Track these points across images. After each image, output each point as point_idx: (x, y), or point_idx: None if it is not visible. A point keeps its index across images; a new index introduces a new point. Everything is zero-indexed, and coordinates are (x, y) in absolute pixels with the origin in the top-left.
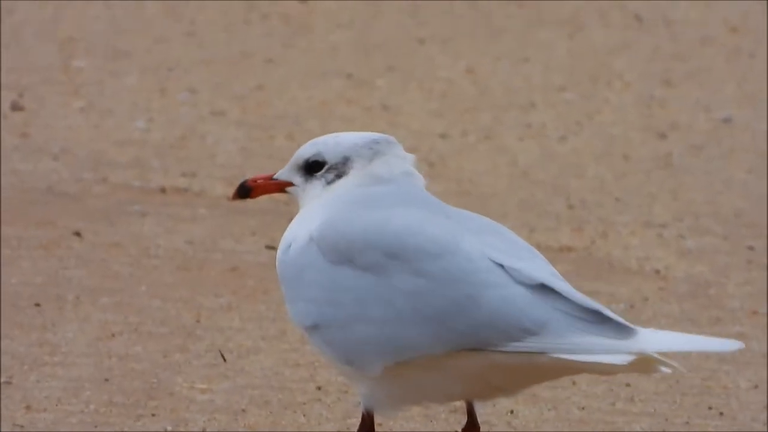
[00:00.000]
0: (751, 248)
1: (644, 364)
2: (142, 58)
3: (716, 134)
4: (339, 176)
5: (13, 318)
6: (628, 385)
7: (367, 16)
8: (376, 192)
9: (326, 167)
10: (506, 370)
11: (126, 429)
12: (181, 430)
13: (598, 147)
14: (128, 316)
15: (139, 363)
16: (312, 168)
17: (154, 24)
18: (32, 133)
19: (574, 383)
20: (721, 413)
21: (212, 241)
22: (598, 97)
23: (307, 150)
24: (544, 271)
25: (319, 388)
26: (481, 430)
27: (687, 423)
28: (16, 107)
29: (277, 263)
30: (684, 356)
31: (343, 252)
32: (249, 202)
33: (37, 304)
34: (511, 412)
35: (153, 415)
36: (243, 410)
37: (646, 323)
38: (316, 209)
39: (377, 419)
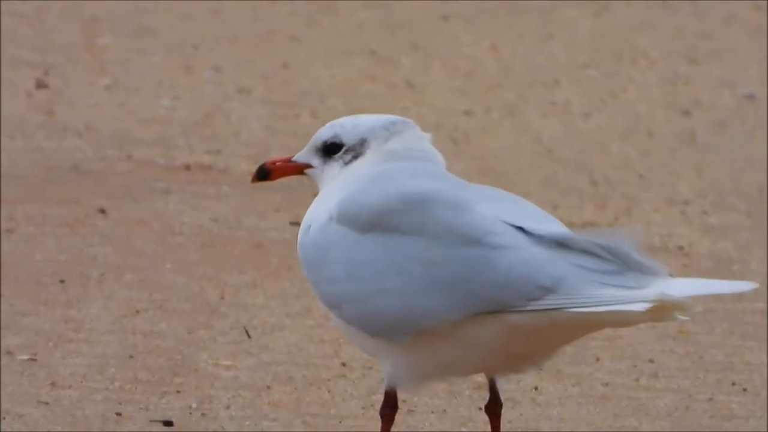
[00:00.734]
0: None
1: (662, 311)
2: (167, 35)
3: (740, 111)
4: (356, 157)
5: (38, 295)
6: (651, 361)
7: None
8: (394, 167)
9: (344, 149)
10: (526, 333)
11: (151, 406)
12: (206, 406)
13: (622, 124)
14: (153, 293)
15: (163, 340)
16: (330, 150)
17: (179, 1)
18: (57, 111)
19: (597, 359)
20: (745, 389)
21: (236, 218)
22: (622, 75)
23: (325, 132)
24: (560, 230)
25: (343, 365)
26: (503, 406)
27: (710, 399)
28: (41, 85)
29: (298, 246)
30: (707, 332)
31: (362, 222)
32: None
33: (62, 281)
34: (536, 388)
35: (178, 391)
36: (267, 387)
37: None
38: (333, 190)
39: (401, 396)
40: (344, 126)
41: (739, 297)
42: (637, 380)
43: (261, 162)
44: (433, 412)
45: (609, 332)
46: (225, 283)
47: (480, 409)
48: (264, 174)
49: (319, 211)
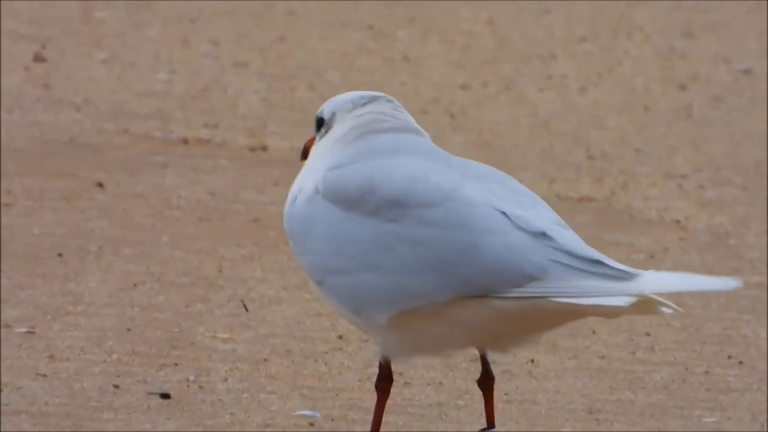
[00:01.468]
0: None
1: (646, 305)
2: (164, 9)
3: (736, 86)
4: (327, 131)
5: (36, 268)
6: (648, 334)
7: None
8: (378, 142)
9: (324, 123)
10: (510, 318)
11: (148, 378)
12: (203, 379)
13: (619, 98)
14: (150, 266)
15: (161, 313)
16: (318, 125)
17: None
18: (54, 85)
19: (594, 332)
20: (741, 362)
21: (234, 191)
22: (618, 49)
23: (318, 109)
24: (546, 219)
25: (340, 337)
26: (495, 380)
27: (707, 372)
28: (38, 59)
29: (284, 217)
30: (704, 305)
31: (349, 201)
32: (269, 153)
33: (60, 255)
34: (532, 361)
35: (175, 364)
36: (265, 360)
37: None
38: (310, 164)
39: (395, 368)
40: (328, 102)
41: (736, 270)
42: (633, 353)
43: (257, 135)
44: (429, 384)
45: None
46: (222, 256)
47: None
48: (305, 152)
49: (305, 184)
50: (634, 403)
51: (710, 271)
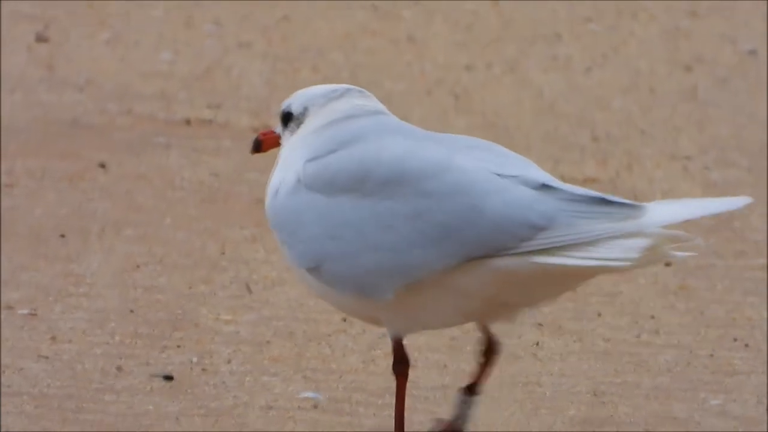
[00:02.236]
0: None
1: (654, 252)
2: None
3: (742, 67)
4: (299, 126)
5: (38, 249)
6: (652, 317)
7: None
8: (358, 126)
9: (293, 118)
10: (518, 280)
11: (151, 360)
12: (206, 361)
13: (624, 79)
14: (153, 247)
15: (164, 294)
16: (285, 120)
17: None
18: (57, 65)
19: (599, 315)
20: (746, 345)
21: (237, 173)
22: (623, 29)
23: (283, 103)
24: (541, 175)
25: (344, 320)
26: (498, 355)
27: (711, 355)
28: (41, 39)
29: (267, 210)
30: (708, 288)
31: (338, 188)
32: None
33: (62, 236)
34: (537, 344)
35: (178, 346)
36: (268, 342)
37: None
38: (284, 157)
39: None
40: (295, 96)
41: (740, 253)
42: (638, 336)
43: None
44: (433, 367)
45: (610, 288)
46: (225, 238)
47: None
48: (257, 145)
49: (286, 176)
50: (638, 386)
51: (714, 253)
